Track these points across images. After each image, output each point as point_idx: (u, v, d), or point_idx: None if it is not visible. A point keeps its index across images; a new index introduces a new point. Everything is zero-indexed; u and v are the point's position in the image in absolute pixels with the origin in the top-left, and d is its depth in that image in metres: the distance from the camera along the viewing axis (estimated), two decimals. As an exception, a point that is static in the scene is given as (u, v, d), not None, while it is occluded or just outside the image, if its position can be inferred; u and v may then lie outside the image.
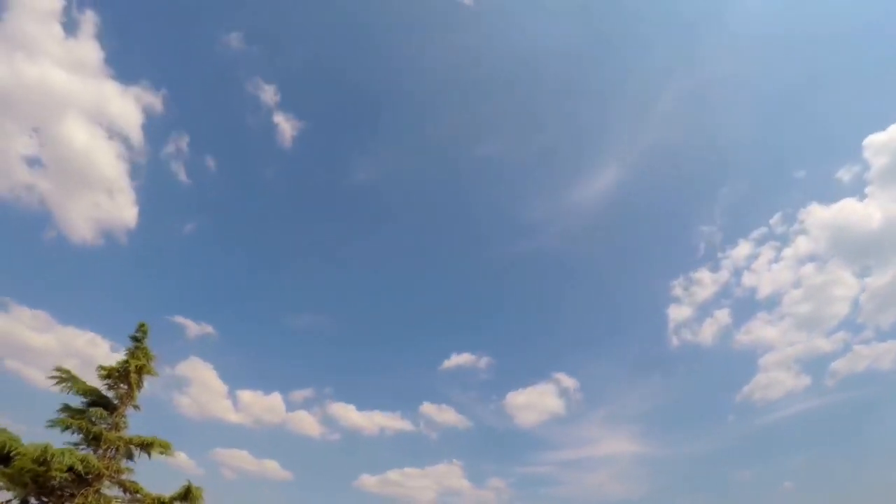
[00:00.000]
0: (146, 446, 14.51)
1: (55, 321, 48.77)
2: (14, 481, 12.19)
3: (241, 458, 52.18)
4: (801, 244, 57.68)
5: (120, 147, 51.36)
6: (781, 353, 55.92)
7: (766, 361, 56.39)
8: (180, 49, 61.46)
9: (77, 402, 14.35)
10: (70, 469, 12.40)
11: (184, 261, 62.79)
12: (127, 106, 51.24)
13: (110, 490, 13.90)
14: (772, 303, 58.35)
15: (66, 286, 55.82)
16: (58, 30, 45.97)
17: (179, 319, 53.84)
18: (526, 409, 59.31)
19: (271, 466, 52.88)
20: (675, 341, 60.47)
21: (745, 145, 66.29)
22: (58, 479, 12.47)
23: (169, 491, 14.43)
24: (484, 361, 60.30)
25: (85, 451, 13.45)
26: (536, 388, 60.19)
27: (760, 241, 59.86)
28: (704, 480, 55.71)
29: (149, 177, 56.14)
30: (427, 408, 57.92)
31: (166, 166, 57.19)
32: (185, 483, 14.37)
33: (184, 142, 57.08)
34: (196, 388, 54.25)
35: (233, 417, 54.00)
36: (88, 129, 49.30)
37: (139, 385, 14.97)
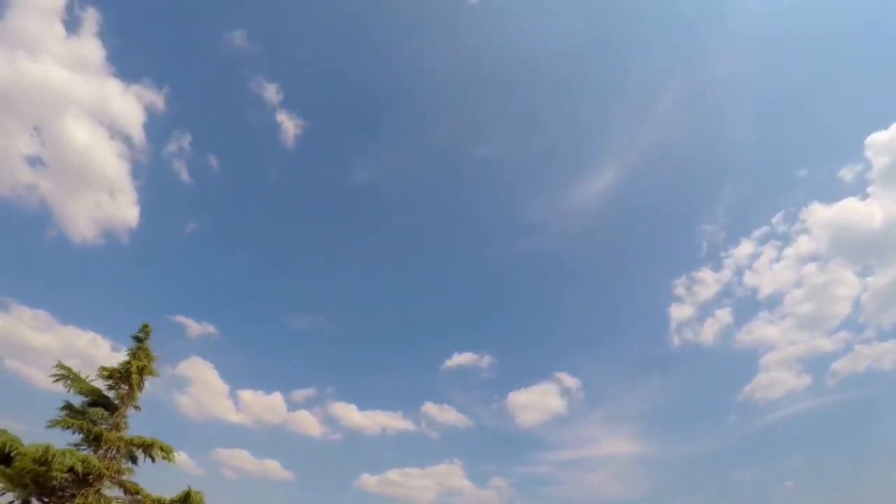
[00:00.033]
0: (147, 447, 14.48)
1: (56, 321, 49.04)
2: (15, 482, 12.17)
3: (241, 458, 52.34)
4: (803, 243, 57.87)
5: (121, 146, 51.59)
6: (783, 352, 56.14)
7: (767, 361, 56.64)
8: (183, 47, 61.77)
9: (78, 401, 14.34)
10: (71, 469, 12.35)
11: (185, 260, 63.06)
12: (129, 104, 51.46)
13: (111, 491, 13.86)
14: (773, 302, 58.60)
15: (66, 286, 56.06)
16: (59, 28, 46.15)
17: (181, 319, 54.11)
18: (527, 408, 59.44)
19: (272, 466, 53.02)
20: (676, 341, 60.66)
21: (746, 144, 66.38)
22: (58, 479, 12.46)
23: (169, 491, 14.43)
24: (486, 361, 60.46)
25: (86, 452, 13.42)
26: (538, 388, 60.40)
27: (762, 241, 60.07)
28: (705, 480, 55.84)
29: (150, 176, 56.41)
30: (429, 407, 58.08)
31: (168, 165, 57.50)
32: (186, 487, 14.35)
33: (186, 141, 57.35)
34: (197, 387, 54.44)
35: (234, 417, 54.16)
36: (90, 128, 49.50)
37: (140, 386, 14.94)
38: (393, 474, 53.48)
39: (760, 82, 64.86)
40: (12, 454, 11.73)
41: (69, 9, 46.79)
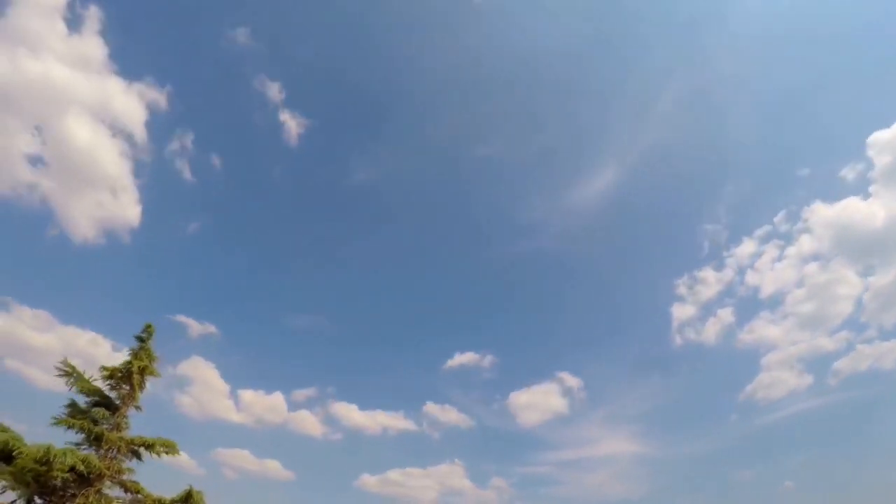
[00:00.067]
0: (148, 447, 14.53)
1: (56, 321, 48.97)
2: (17, 480, 12.23)
3: (242, 458, 52.32)
4: (805, 243, 57.84)
5: (123, 145, 51.38)
6: (784, 352, 56.09)
7: (768, 361, 56.59)
8: (185, 45, 61.57)
9: (79, 400, 14.42)
10: (72, 469, 12.41)
11: (187, 260, 62.98)
12: (131, 103, 51.24)
13: (111, 490, 13.93)
14: (775, 302, 58.54)
15: (67, 285, 56.02)
16: (61, 26, 45.95)
17: (182, 318, 54.09)
18: (529, 408, 59.44)
19: (273, 466, 53.02)
20: (678, 340, 60.63)
21: (748, 144, 66.30)
22: (59, 478, 12.50)
23: (171, 491, 14.49)
24: (487, 360, 60.48)
25: (87, 452, 13.48)
26: (540, 388, 60.39)
27: (764, 240, 60.04)
28: (706, 480, 55.80)
29: (153, 175, 56.21)
30: (430, 407, 58.10)
31: (171, 164, 57.32)
32: (187, 487, 14.43)
33: (188, 139, 57.14)
34: (198, 387, 54.41)
35: (234, 417, 54.16)
36: (91, 127, 49.35)
37: (141, 386, 14.99)
38: (394, 474, 53.58)
39: (761, 82, 64.95)
40: (14, 453, 11.78)
41: (71, 6, 46.73)
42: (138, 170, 53.50)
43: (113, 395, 14.70)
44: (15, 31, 43.75)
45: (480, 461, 58.15)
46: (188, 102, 59.47)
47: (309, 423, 55.79)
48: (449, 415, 57.87)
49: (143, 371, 14.84)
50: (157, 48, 59.38)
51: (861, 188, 57.28)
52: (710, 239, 63.12)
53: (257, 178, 67.56)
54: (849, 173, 56.71)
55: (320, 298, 69.16)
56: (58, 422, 13.24)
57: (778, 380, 55.18)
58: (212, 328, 54.94)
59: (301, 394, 57.10)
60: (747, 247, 60.75)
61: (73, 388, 14.06)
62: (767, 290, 58.52)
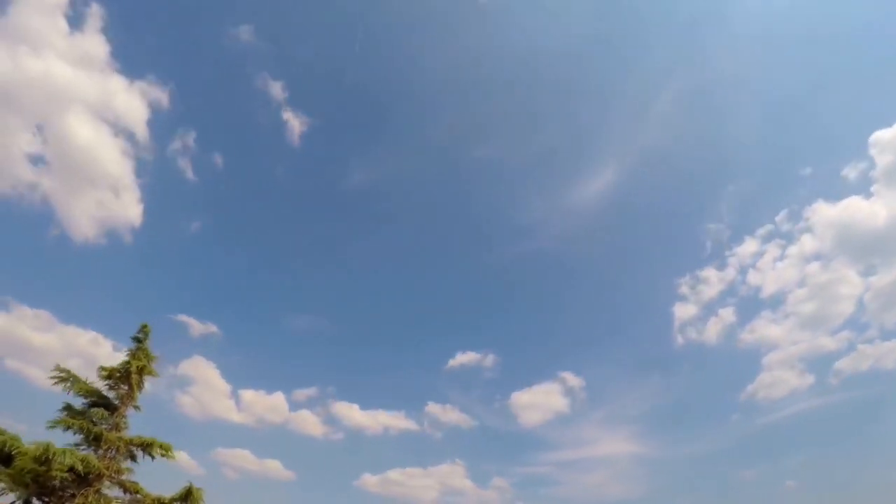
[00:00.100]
0: (146, 447, 14.56)
1: (57, 320, 48.93)
2: (15, 481, 12.25)
3: (243, 458, 52.30)
4: (807, 242, 57.72)
5: (125, 144, 51.19)
6: (785, 351, 55.98)
7: (769, 360, 56.48)
8: (188, 43, 61.29)
9: (78, 402, 14.42)
10: (71, 469, 12.44)
11: (188, 259, 62.96)
12: (133, 101, 51.08)
13: (111, 490, 13.95)
14: (776, 301, 58.37)
15: (68, 285, 56.04)
16: (63, 23, 45.85)
17: (183, 318, 54.11)
18: (530, 408, 59.42)
19: (274, 466, 53.03)
20: (680, 340, 60.54)
21: (749, 143, 66.12)
22: (58, 478, 12.53)
23: (170, 491, 14.49)
24: (489, 360, 60.45)
25: (85, 452, 13.50)
26: (542, 388, 60.31)
27: (766, 239, 59.90)
28: (707, 480, 55.71)
29: (154, 174, 56.08)
30: (432, 407, 58.07)
31: (173, 163, 57.11)
32: (187, 484, 14.42)
33: (191, 138, 56.90)
34: (199, 387, 54.42)
35: (235, 417, 54.17)
36: (93, 126, 49.22)
37: (140, 386, 15.01)
38: (394, 474, 53.59)
39: (762, 81, 64.77)
40: (13, 453, 11.81)
41: (73, 4, 46.70)
42: (140, 169, 53.46)
43: (111, 395, 14.73)
44: (16, 28, 43.73)
45: (481, 461, 58.18)
46: (190, 101, 59.50)
47: (310, 422, 55.87)
48: (450, 415, 57.95)
49: (141, 371, 14.86)
50: (159, 46, 59.20)
51: (863, 187, 57.15)
52: (712, 238, 63.06)
53: (259, 177, 67.64)
54: (850, 172, 56.62)
55: (322, 298, 69.32)
56: (55, 423, 13.25)
57: (779, 379, 55.16)
58: (213, 328, 55.05)
59: (302, 393, 57.16)
60: (749, 246, 60.74)
61: (71, 392, 14.08)
62: (769, 289, 58.50)
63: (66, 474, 12.46)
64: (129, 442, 14.35)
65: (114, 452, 14.07)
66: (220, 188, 63.29)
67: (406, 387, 66.45)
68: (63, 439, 13.38)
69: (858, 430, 51.81)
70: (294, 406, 56.07)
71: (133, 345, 15.26)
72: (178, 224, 61.14)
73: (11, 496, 12.61)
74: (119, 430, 14.37)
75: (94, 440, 13.76)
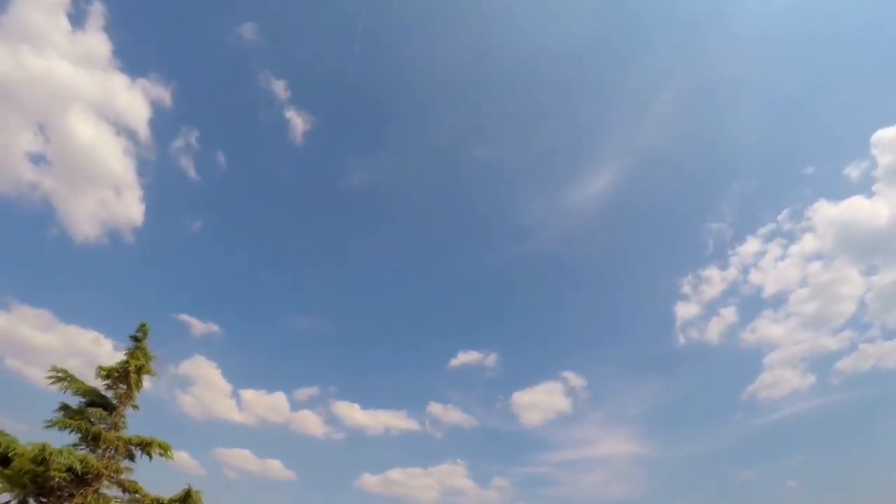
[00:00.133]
0: (145, 446, 14.48)
1: (58, 320, 48.89)
2: (13, 482, 12.17)
3: (243, 458, 52.28)
4: (808, 242, 57.61)
5: (127, 142, 50.88)
6: (787, 351, 55.90)
7: (771, 360, 56.40)
8: (190, 41, 60.73)
9: (76, 402, 14.34)
10: (69, 469, 12.37)
11: (190, 259, 62.80)
12: (135, 100, 50.63)
13: (109, 490, 13.87)
14: (778, 301, 58.25)
15: (69, 285, 55.90)
16: (64, 22, 45.50)
17: (184, 318, 54.12)
18: (532, 408, 59.36)
19: (274, 466, 52.99)
20: (681, 340, 60.46)
21: (751, 143, 65.97)
22: (56, 479, 12.46)
23: (170, 491, 14.43)
24: (491, 360, 60.38)
25: (84, 451, 13.43)
26: (543, 387, 60.27)
27: (768, 238, 59.77)
28: (708, 480, 55.67)
29: (156, 173, 55.78)
30: (433, 407, 58.04)
31: (175, 162, 56.77)
32: (186, 486, 14.37)
33: (193, 137, 56.46)
34: (200, 386, 54.42)
35: (236, 417, 54.12)
36: (95, 124, 48.88)
37: (138, 385, 14.94)
38: (395, 474, 53.54)
39: (763, 81, 64.54)
40: (10, 454, 11.73)
41: (75, 2, 46.19)
42: (142, 168, 53.16)
43: (110, 394, 14.65)
44: (18, 27, 43.37)
45: (482, 461, 58.17)
46: (193, 99, 59.19)
47: (311, 422, 55.83)
48: (451, 415, 57.91)
49: (139, 370, 14.78)
50: (161, 44, 58.56)
51: (865, 187, 57.00)
52: (714, 238, 62.95)
53: (262, 176, 67.42)
54: (852, 172, 56.43)
55: (323, 298, 69.34)
56: (52, 423, 13.18)
57: (780, 379, 55.08)
58: (214, 327, 55.08)
59: (303, 393, 57.14)
60: (751, 245, 60.60)
61: (68, 392, 14.00)
62: (771, 289, 58.36)
63: (64, 474, 12.39)
64: (128, 441, 14.28)
65: (112, 452, 13.99)
66: (222, 187, 63.04)
67: (407, 387, 66.59)
68: (61, 439, 13.34)
69: (860, 430, 51.79)
70: (295, 406, 56.15)
71: (132, 344, 15.20)
72: (180, 223, 61.04)
73: (8, 496, 12.54)
74: (118, 430, 14.30)
75: (93, 440, 13.69)
